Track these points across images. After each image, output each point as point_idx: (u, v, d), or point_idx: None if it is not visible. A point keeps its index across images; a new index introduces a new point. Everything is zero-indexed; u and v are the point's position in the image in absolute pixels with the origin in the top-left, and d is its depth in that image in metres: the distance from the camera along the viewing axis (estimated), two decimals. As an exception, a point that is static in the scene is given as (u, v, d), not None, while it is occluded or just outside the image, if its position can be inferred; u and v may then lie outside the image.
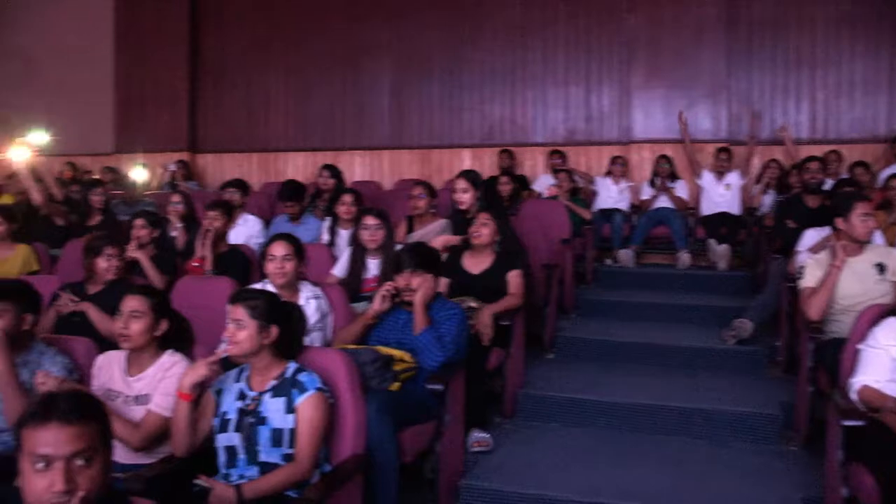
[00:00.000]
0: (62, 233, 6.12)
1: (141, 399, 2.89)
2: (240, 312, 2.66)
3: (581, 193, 7.65)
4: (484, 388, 4.07)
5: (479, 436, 3.85)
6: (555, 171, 7.87)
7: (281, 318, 2.71)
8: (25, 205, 6.52)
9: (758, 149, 7.90)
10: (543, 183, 8.12)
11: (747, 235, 7.12)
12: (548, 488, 3.41)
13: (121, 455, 2.68)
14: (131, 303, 2.89)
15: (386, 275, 4.06)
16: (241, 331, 2.64)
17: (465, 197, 5.04)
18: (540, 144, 8.80)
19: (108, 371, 2.93)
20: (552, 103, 8.81)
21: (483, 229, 4.46)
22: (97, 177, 7.58)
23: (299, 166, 9.44)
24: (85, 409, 1.74)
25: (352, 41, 9.31)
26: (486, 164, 8.51)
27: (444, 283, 4.19)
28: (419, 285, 3.44)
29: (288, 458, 2.60)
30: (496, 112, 8.98)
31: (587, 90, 8.68)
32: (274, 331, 2.67)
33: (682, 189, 7.55)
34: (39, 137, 6.64)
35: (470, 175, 5.22)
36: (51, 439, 1.67)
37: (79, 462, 1.68)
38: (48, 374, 2.83)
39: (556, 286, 5.53)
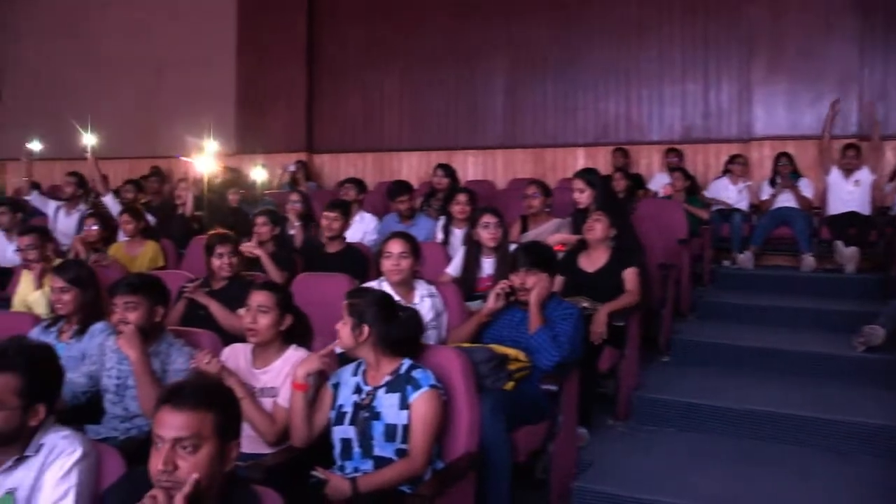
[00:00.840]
0: (195, 232, 6.41)
1: (266, 391, 2.98)
2: (345, 309, 2.76)
3: (699, 193, 7.41)
4: (596, 388, 4.01)
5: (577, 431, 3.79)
6: (670, 170, 7.68)
7: (375, 319, 2.74)
8: (167, 204, 6.86)
9: (887, 144, 7.43)
10: (659, 182, 7.94)
11: (878, 236, 6.73)
12: (662, 494, 3.32)
13: (243, 444, 2.78)
14: (258, 298, 2.99)
15: (501, 273, 4.06)
16: (342, 326, 2.76)
17: (583, 197, 4.98)
18: (656, 143, 8.61)
19: (234, 363, 3.04)
20: (668, 100, 8.59)
21: (596, 224, 4.40)
22: (228, 177, 7.91)
23: (413, 166, 9.57)
24: (201, 400, 1.83)
25: (466, 40, 9.35)
26: (601, 162, 8.36)
27: (559, 282, 4.15)
28: (534, 284, 3.42)
29: (401, 453, 2.63)
30: (611, 110, 8.84)
31: (705, 86, 8.42)
32: (366, 329, 2.72)
33: (806, 188, 7.21)
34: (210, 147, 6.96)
35: (586, 174, 5.15)
36: (163, 421, 1.81)
37: (184, 447, 1.78)
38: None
39: (673, 287, 5.40)
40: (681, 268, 5.73)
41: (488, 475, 2.90)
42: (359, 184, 6.80)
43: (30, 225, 4.97)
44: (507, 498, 2.97)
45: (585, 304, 4.02)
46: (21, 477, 2.15)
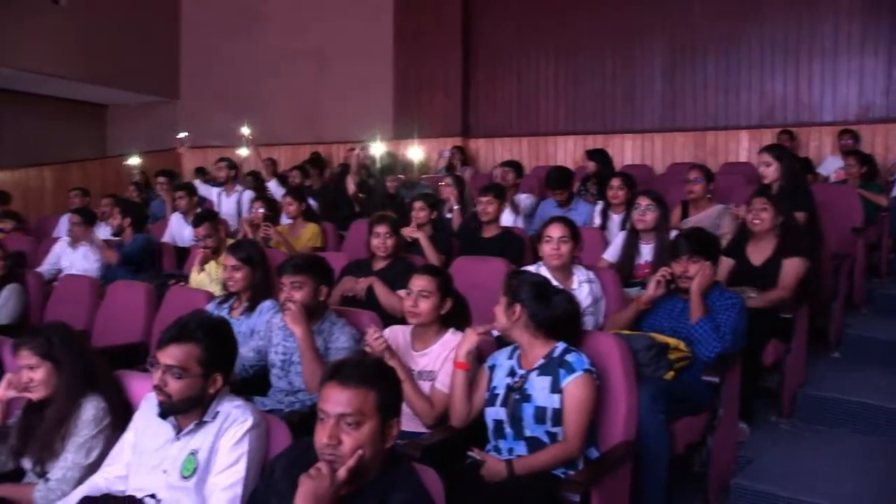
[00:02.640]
0: (357, 216, 6.64)
1: (424, 374, 3.06)
2: (501, 290, 2.80)
3: (878, 178, 6.90)
4: (759, 382, 3.85)
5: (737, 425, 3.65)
6: (845, 154, 7.19)
7: (526, 298, 2.75)
8: (333, 188, 7.16)
9: None
10: (830, 166, 7.47)
11: None
12: (826, 499, 3.14)
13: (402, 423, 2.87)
14: (420, 282, 3.06)
15: (660, 260, 3.96)
16: (498, 307, 2.80)
17: (769, 171, 4.74)
18: (828, 124, 8.09)
19: (393, 344, 3.12)
20: (844, 77, 8.04)
21: (762, 214, 4.15)
22: (387, 163, 8.14)
23: (569, 150, 9.46)
24: (364, 377, 1.91)
25: (623, 21, 9.14)
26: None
27: (723, 270, 4.00)
28: (697, 272, 3.31)
29: (551, 436, 2.64)
30: (777, 90, 8.39)
31: (889, 60, 7.80)
32: (518, 309, 2.74)
33: None
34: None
35: (775, 149, 4.92)
36: (328, 397, 1.89)
37: (347, 423, 1.86)
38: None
39: (846, 279, 5.08)
40: (855, 258, 5.37)
41: (645, 466, 2.87)
42: (517, 166, 6.83)
43: (202, 213, 5.30)
44: (664, 490, 2.92)
45: (752, 294, 3.85)
46: (201, 440, 2.32)
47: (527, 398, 2.68)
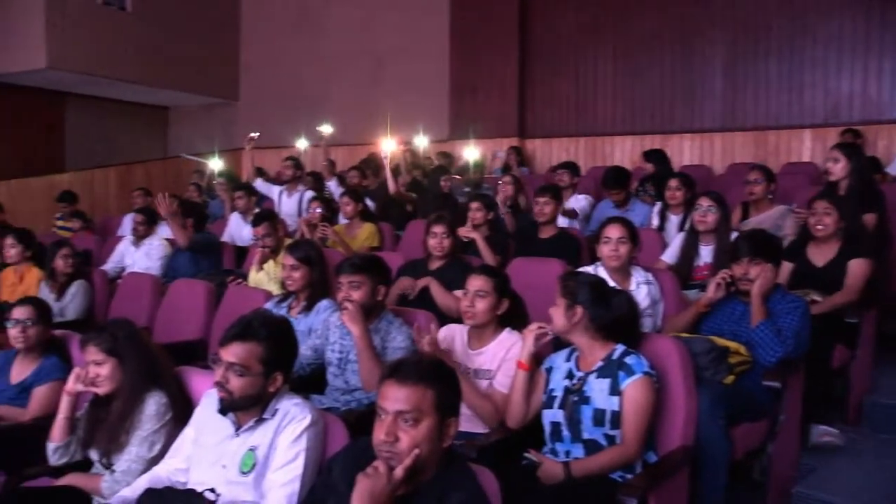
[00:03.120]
0: (409, 216, 6.67)
1: (481, 373, 3.06)
2: (558, 291, 2.78)
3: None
4: (823, 388, 3.74)
5: (825, 428, 3.57)
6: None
7: (587, 300, 2.72)
8: (384, 188, 7.20)
9: None
10: (901, 164, 7.25)
11: None
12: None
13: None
14: (477, 282, 3.06)
15: (721, 262, 3.88)
16: (555, 309, 2.77)
17: (836, 168, 4.60)
18: (898, 121, 7.84)
19: (450, 343, 3.14)
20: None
21: (825, 219, 4.02)
22: (440, 163, 8.16)
23: (626, 150, 9.36)
24: (423, 376, 1.92)
25: (681, 17, 9.01)
26: (830, 146, 7.77)
27: (784, 272, 3.91)
28: (758, 275, 3.23)
29: (609, 438, 2.62)
30: (843, 87, 8.18)
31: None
32: (579, 311, 2.71)
33: None
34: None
35: (846, 146, 4.79)
36: (387, 394, 1.91)
37: (405, 420, 1.88)
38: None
39: (917, 282, 4.92)
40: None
41: (704, 471, 2.81)
42: (572, 168, 6.78)
43: (261, 213, 5.37)
44: (723, 497, 2.86)
45: (816, 298, 3.76)
46: (260, 437, 2.35)
47: (585, 400, 2.66)
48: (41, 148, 10.98)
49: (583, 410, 2.66)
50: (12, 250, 5.33)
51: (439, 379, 1.95)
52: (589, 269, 3.67)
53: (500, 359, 3.02)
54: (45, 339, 3.56)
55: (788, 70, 8.45)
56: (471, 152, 7.95)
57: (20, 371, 3.53)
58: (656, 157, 6.89)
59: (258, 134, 7.60)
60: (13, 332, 3.46)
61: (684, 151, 8.93)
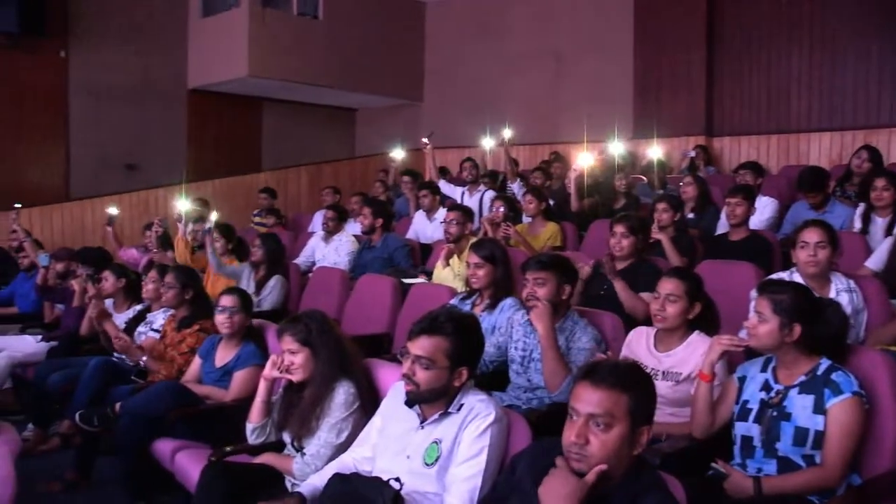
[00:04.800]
0: (594, 216, 6.56)
1: (670, 375, 2.99)
2: (763, 305, 2.57)
3: None
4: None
5: None
6: None
7: (807, 317, 2.53)
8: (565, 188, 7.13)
9: None
10: None
11: None
12: None
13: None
14: (668, 285, 2.99)
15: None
16: (762, 324, 2.56)
17: None
18: None
19: (636, 345, 3.08)
20: None
21: None
22: (619, 162, 7.99)
23: (824, 148, 8.71)
24: (618, 381, 1.87)
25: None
26: None
27: None
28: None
29: (807, 458, 2.45)
30: None
31: None
32: (797, 329, 2.51)
33: None
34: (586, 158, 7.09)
35: None
36: (580, 396, 1.89)
37: (596, 423, 1.84)
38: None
39: None
40: None
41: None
42: (756, 168, 6.44)
43: (455, 203, 5.53)
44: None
45: None
46: (444, 430, 2.40)
47: (786, 416, 2.50)
48: (241, 150, 11.80)
49: (783, 427, 2.50)
50: (217, 244, 5.75)
51: (635, 385, 1.91)
52: (783, 274, 3.46)
53: (691, 363, 2.93)
54: (246, 327, 3.82)
55: None
56: (654, 151, 7.71)
57: (223, 355, 3.82)
58: (869, 154, 6.28)
59: (432, 134, 7.73)
60: (220, 318, 3.76)
61: (892, 147, 8.17)
